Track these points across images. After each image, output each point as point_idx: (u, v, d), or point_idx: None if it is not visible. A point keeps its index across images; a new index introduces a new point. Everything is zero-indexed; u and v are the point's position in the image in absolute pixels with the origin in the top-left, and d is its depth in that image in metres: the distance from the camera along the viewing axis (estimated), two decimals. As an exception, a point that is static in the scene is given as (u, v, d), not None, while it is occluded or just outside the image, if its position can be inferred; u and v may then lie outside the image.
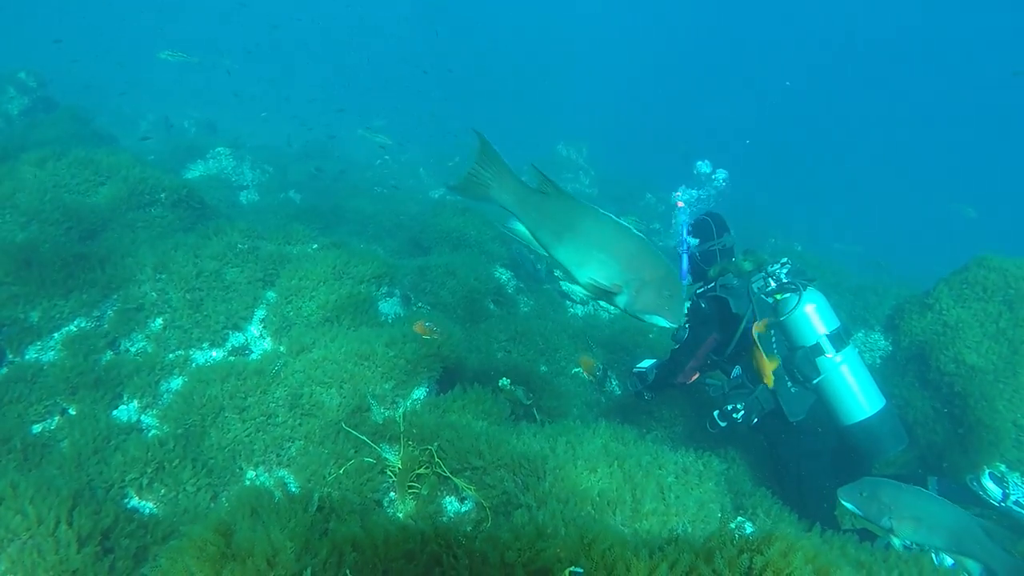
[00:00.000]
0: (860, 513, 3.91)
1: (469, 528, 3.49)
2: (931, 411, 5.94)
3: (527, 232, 3.11)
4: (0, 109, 12.67)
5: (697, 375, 5.01)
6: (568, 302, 9.04)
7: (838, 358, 4.68)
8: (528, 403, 4.96)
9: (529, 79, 48.05)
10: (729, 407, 4.74)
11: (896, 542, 3.92)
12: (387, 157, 20.56)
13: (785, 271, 4.91)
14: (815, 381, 4.68)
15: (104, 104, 20.40)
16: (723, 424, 4.80)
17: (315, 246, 5.96)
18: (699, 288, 5.17)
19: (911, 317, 6.44)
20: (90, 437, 4.08)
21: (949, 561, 3.93)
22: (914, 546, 3.92)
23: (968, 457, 5.38)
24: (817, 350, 4.69)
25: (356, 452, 3.87)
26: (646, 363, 5.36)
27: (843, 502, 3.96)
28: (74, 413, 4.46)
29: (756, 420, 4.77)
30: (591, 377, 6.26)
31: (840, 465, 4.80)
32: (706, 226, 5.30)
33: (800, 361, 4.66)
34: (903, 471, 5.74)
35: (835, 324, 4.79)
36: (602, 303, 3.20)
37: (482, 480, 3.63)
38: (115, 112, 20.24)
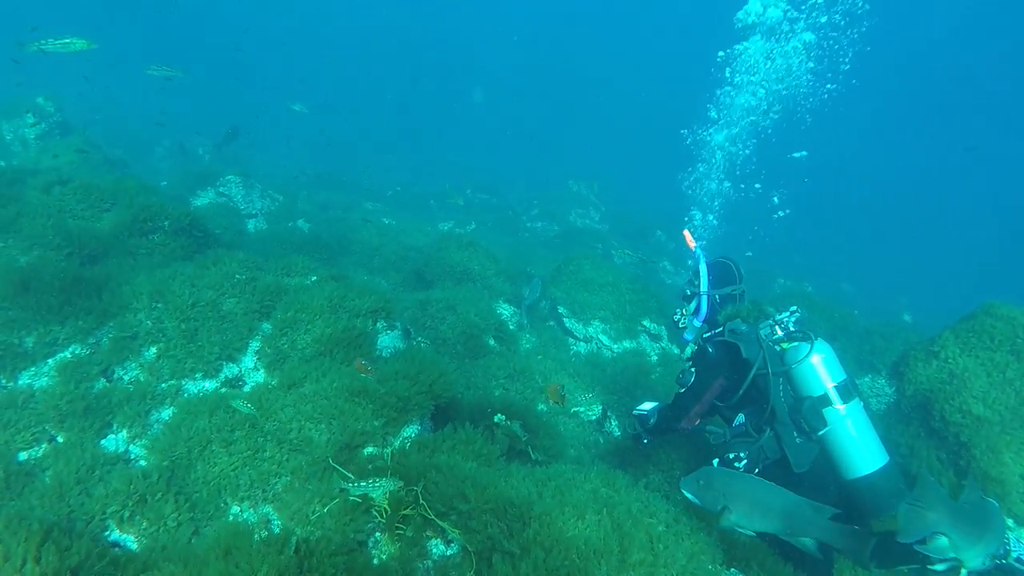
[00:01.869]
0: (698, 503, 3.99)
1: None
2: (936, 462, 5.81)
3: None
4: (18, 133, 12.87)
5: (699, 420, 4.92)
6: (571, 339, 8.98)
7: (843, 410, 4.54)
8: (525, 438, 4.89)
9: (542, 116, 48.54)
10: (731, 455, 4.61)
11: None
12: (399, 188, 20.73)
13: (793, 319, 4.84)
14: (821, 432, 4.52)
15: (121, 129, 20.70)
16: None
17: (314, 278, 5.93)
18: (706, 333, 5.07)
19: (916, 365, 6.33)
20: (75, 467, 4.03)
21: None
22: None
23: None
24: (824, 401, 4.56)
25: (341, 491, 3.79)
26: (647, 406, 5.25)
27: (684, 492, 4.04)
28: (62, 441, 4.41)
29: (758, 471, 4.63)
30: (557, 403, 6.14)
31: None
32: (727, 271, 5.25)
33: (807, 412, 4.52)
34: None
35: (842, 376, 4.65)
36: None
37: (467, 524, 3.55)
38: (131, 137, 20.52)
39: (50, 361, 4.94)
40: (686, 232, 5.26)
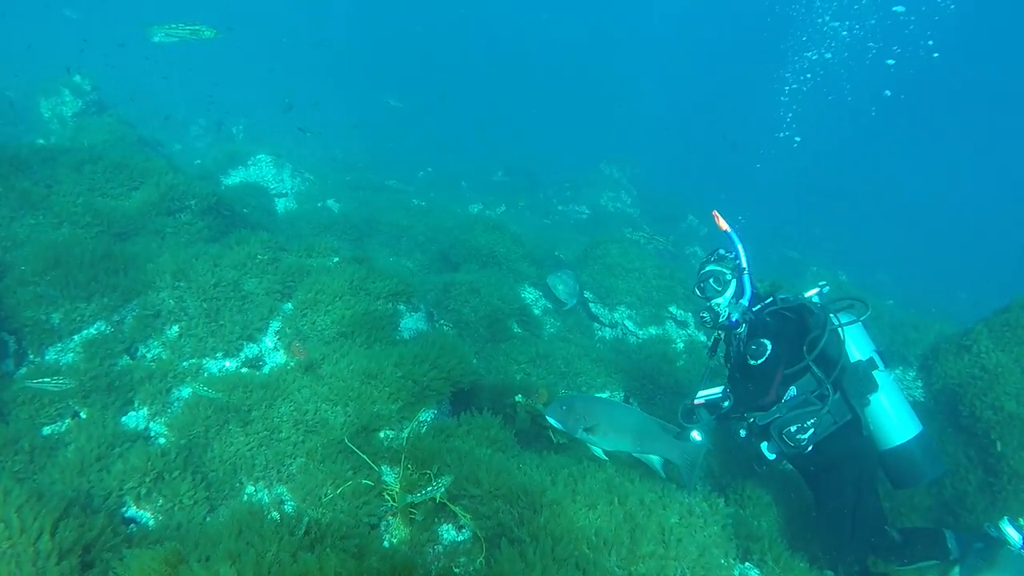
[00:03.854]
0: (561, 427, 4.14)
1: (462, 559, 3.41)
2: (963, 458, 5.66)
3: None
4: (55, 111, 13.07)
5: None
6: (596, 325, 8.91)
7: (887, 376, 4.59)
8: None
9: (576, 97, 48.10)
10: (794, 428, 4.42)
11: None
12: (430, 169, 20.71)
13: (826, 291, 4.86)
14: (874, 395, 4.51)
15: (158, 109, 20.95)
16: (772, 456, 4.58)
17: (336, 259, 5.94)
18: (756, 306, 4.94)
19: (947, 358, 6.17)
20: (96, 443, 4.08)
21: None
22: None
23: (999, 511, 5.09)
24: (872, 364, 4.59)
25: (355, 473, 3.80)
26: (710, 391, 4.88)
27: (548, 418, 4.19)
28: (84, 417, 4.48)
29: (811, 448, 4.49)
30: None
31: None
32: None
33: (862, 374, 4.52)
34: (926, 522, 5.50)
35: (879, 344, 4.74)
36: None
37: (478, 510, 3.54)
38: (170, 115, 20.75)
39: (76, 337, 5.02)
40: (716, 213, 5.09)
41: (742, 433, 4.69)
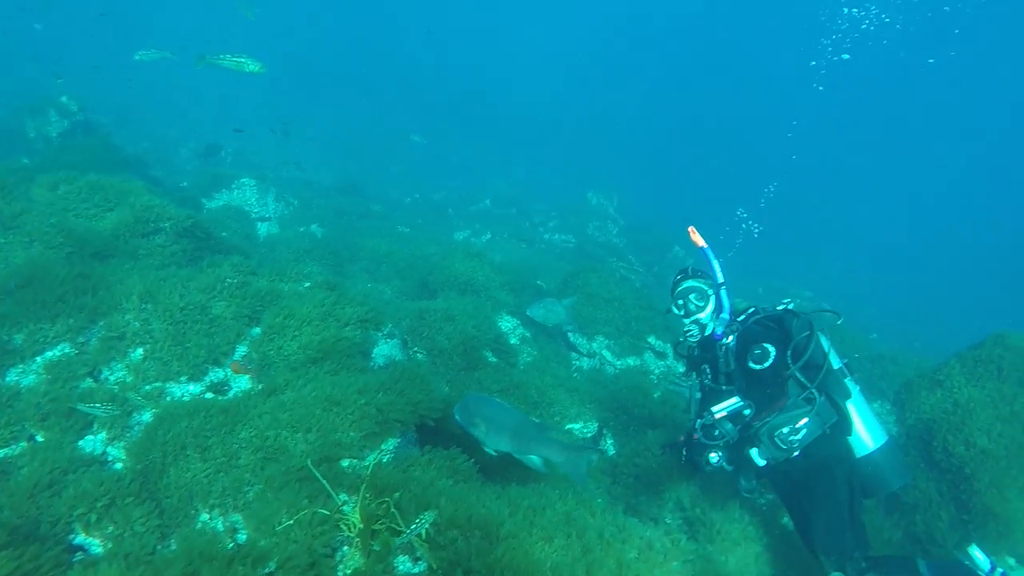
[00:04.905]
0: (464, 426, 4.27)
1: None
2: (936, 494, 5.64)
3: None
4: (41, 131, 13.05)
5: None
6: (575, 354, 8.87)
7: (855, 385, 4.77)
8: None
9: (567, 126, 48.48)
10: (786, 429, 4.41)
11: None
12: (418, 195, 20.77)
13: (792, 307, 4.96)
14: (847, 402, 4.62)
15: (149, 131, 21.01)
16: (763, 462, 4.55)
17: (307, 284, 5.90)
18: (739, 316, 5.02)
19: (920, 393, 6.17)
20: (49, 468, 4.00)
21: None
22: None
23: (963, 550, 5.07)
24: (843, 373, 4.73)
25: (310, 502, 3.73)
26: (727, 403, 4.70)
27: (455, 416, 4.30)
28: (41, 440, 4.40)
29: (797, 454, 4.50)
30: None
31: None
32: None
33: (835, 381, 4.61)
34: (896, 552, 5.49)
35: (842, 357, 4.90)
36: None
37: (435, 540, 3.48)
38: (160, 139, 20.82)
39: (39, 359, 4.94)
40: (692, 229, 5.14)
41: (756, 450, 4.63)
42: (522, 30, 61.82)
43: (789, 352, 4.57)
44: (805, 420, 4.41)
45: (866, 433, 4.67)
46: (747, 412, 4.66)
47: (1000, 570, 4.33)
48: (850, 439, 4.66)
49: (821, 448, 4.53)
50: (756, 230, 11.21)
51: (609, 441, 6.69)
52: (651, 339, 9.08)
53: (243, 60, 7.33)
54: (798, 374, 4.54)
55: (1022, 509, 5.35)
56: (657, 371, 8.74)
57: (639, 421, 6.80)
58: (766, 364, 4.56)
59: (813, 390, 4.48)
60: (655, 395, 7.60)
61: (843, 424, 4.58)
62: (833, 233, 38.84)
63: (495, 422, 4.21)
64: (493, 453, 4.28)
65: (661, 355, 9.06)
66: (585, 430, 6.69)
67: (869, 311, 22.46)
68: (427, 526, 3.39)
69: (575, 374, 8.16)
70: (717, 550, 4.99)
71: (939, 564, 4.34)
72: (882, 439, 4.70)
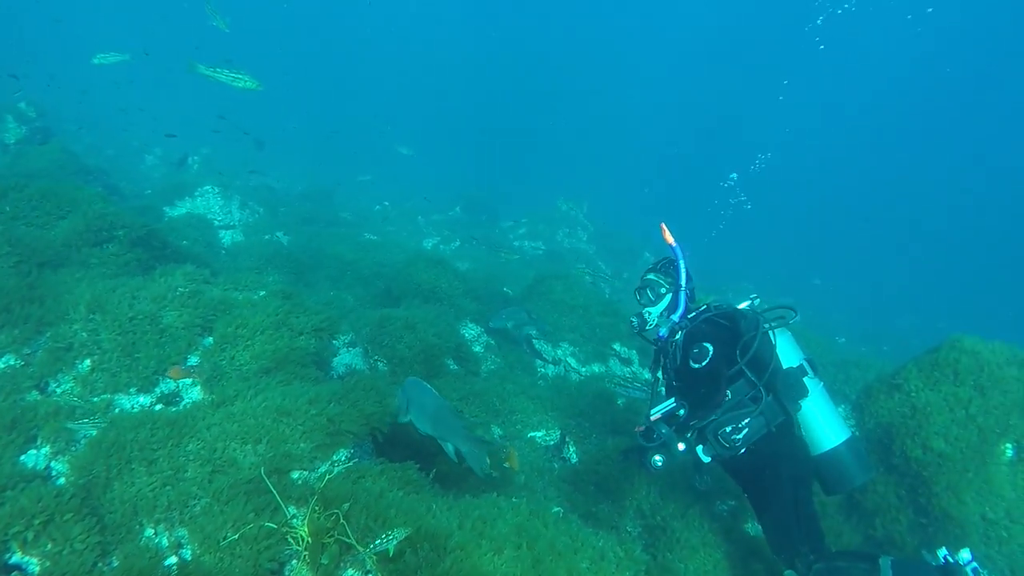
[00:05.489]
0: (399, 407, 4.42)
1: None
2: (894, 499, 5.68)
3: None
4: (-2, 138, 12.80)
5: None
6: (539, 361, 8.84)
7: (815, 383, 4.74)
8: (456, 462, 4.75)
9: (534, 133, 48.63)
10: (729, 428, 4.44)
11: None
12: (387, 203, 20.67)
13: (757, 303, 5.01)
14: (804, 400, 4.62)
15: (113, 138, 20.69)
16: (707, 459, 4.59)
17: (262, 293, 5.81)
18: (691, 314, 5.01)
19: (878, 397, 6.21)
20: (-13, 484, 3.88)
21: None
22: None
23: (931, 551, 5.10)
24: (802, 371, 4.72)
25: (257, 516, 3.65)
26: (662, 406, 4.75)
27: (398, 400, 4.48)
28: (-20, 456, 4.26)
29: (744, 450, 4.53)
30: None
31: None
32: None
33: (792, 380, 4.61)
34: (859, 550, 5.51)
35: (806, 354, 4.92)
36: None
37: (384, 552, 3.41)
38: (122, 145, 20.51)
39: (-18, 372, 4.81)
40: (663, 226, 5.13)
41: (682, 447, 4.61)
42: (491, 32, 61.78)
43: (738, 351, 4.60)
44: (747, 419, 4.45)
45: (827, 430, 4.69)
46: (681, 412, 4.71)
47: (974, 564, 4.23)
48: (814, 436, 4.69)
49: (767, 446, 4.56)
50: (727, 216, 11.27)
51: (572, 449, 6.66)
52: (616, 345, 9.08)
53: (241, 76, 7.25)
54: (748, 372, 4.59)
55: (978, 512, 5.40)
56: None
57: (601, 428, 6.79)
58: (703, 363, 4.61)
59: (761, 388, 4.53)
60: (619, 402, 7.59)
61: (789, 424, 4.60)
62: (807, 235, 39.37)
63: (421, 406, 4.33)
64: (422, 434, 4.41)
65: (626, 361, 9.06)
66: (548, 438, 6.66)
67: (838, 316, 22.72)
68: (395, 543, 3.33)
69: (540, 381, 8.12)
70: (676, 558, 4.97)
71: (903, 563, 4.33)
72: (844, 436, 4.70)
